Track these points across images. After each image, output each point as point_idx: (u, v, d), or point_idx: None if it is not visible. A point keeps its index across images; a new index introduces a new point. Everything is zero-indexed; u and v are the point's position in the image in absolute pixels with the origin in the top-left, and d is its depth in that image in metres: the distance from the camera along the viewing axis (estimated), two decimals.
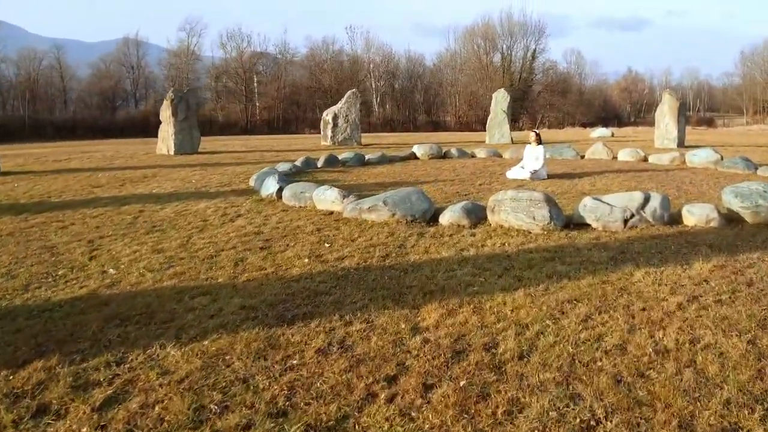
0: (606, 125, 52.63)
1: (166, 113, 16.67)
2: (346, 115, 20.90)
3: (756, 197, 6.70)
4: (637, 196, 6.68)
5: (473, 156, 15.94)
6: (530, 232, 6.39)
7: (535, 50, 60.23)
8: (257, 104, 57.39)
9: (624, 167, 12.88)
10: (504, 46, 59.39)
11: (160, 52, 67.87)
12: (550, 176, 11.39)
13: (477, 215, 6.83)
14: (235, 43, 56.57)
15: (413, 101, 62.49)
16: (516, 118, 60.29)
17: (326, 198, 7.83)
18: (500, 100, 21.40)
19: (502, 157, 15.71)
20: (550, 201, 6.51)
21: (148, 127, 47.98)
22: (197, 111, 17.09)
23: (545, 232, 6.35)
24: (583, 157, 15.15)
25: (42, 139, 36.04)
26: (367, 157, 14.45)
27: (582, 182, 10.49)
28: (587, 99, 66.90)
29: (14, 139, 35.59)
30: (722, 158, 12.72)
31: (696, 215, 6.64)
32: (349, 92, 21.44)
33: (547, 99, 61.03)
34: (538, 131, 11.92)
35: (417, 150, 15.53)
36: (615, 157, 14.75)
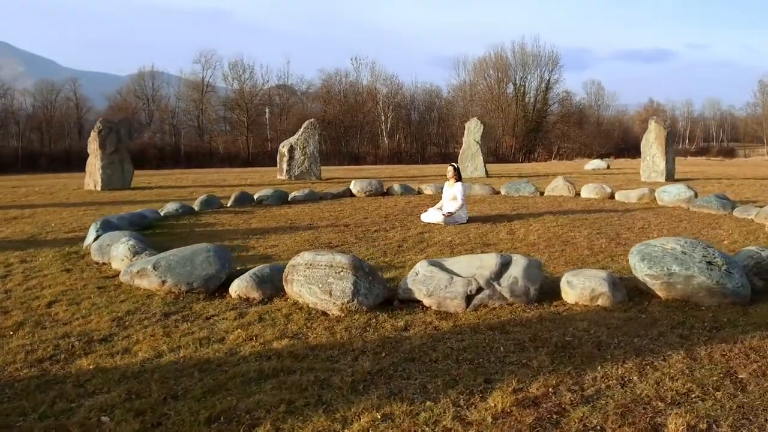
0: (622, 156, 49.99)
1: (93, 145, 15.26)
2: (303, 147, 19.22)
3: (669, 262, 4.59)
4: (491, 262, 4.64)
5: (419, 192, 13.98)
6: (327, 314, 4.43)
7: (549, 81, 58.33)
8: (268, 136, 56.76)
9: (577, 207, 10.75)
10: (517, 77, 57.69)
11: (178, 83, 68.17)
12: (473, 219, 9.36)
13: (275, 285, 4.90)
14: (237, 75, 56.15)
15: (424, 133, 60.99)
16: (531, 149, 58.21)
17: (118, 254, 6.02)
18: (473, 130, 19.44)
19: None
20: (358, 269, 4.52)
21: (150, 158, 47.75)
22: (130, 143, 15.72)
23: (344, 314, 4.38)
24: (542, 194, 13.04)
25: (32, 171, 35.56)
26: (293, 194, 12.66)
27: (503, 229, 8.42)
28: (606, 130, 64.34)
29: (6, 171, 35.24)
30: (696, 195, 10.49)
31: (577, 289, 4.56)
32: (306, 122, 19.80)
33: (563, 130, 58.75)
34: (456, 165, 9.92)
35: (353, 186, 13.67)
36: (578, 194, 12.61)
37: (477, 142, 19.24)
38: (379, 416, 2.79)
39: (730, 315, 4.28)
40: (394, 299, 4.66)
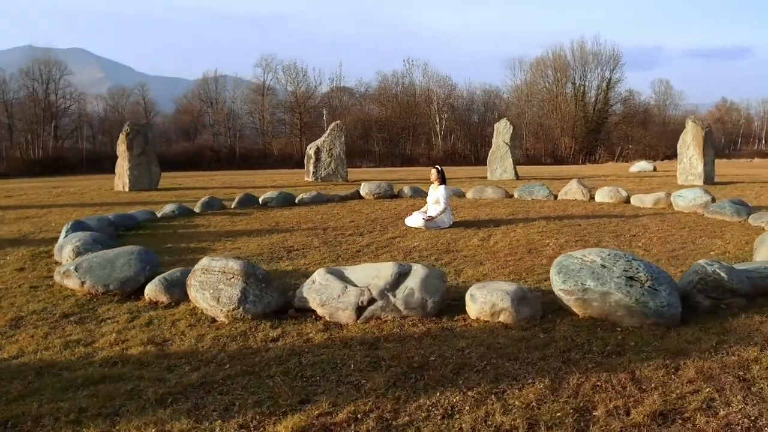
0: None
1: (121, 147, 15.93)
2: (330, 149, 19.26)
3: (585, 276, 4.14)
4: (387, 271, 4.36)
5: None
6: (216, 320, 4.31)
7: (610, 80, 55.84)
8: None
9: (581, 212, 10.09)
10: (576, 76, 55.60)
11: (238, 86, 70.27)
12: (460, 223, 8.98)
13: (183, 289, 4.83)
14: (291, 78, 57.31)
15: (480, 133, 59.88)
16: (591, 150, 55.92)
17: (64, 254, 6.17)
18: (502, 131, 18.78)
19: (464, 196, 13.28)
20: (250, 275, 4.36)
21: (200, 160, 49.57)
22: (156, 146, 16.30)
23: (229, 321, 4.24)
24: (556, 197, 12.39)
25: (96, 172, 37.66)
26: (300, 196, 12.67)
27: (479, 235, 8.00)
28: (673, 130, 60.75)
29: (73, 171, 37.57)
30: (713, 200, 9.59)
31: (478, 303, 4.20)
32: (333, 124, 19.82)
33: (625, 131, 56.08)
34: (440, 167, 9.54)
35: (363, 189, 13.52)
36: (592, 198, 11.87)
37: (506, 144, 18.59)
38: None
39: (644, 338, 3.81)
40: (291, 308, 4.47)
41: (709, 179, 14.75)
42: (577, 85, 55.35)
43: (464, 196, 13.39)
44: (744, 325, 4.01)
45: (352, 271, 4.48)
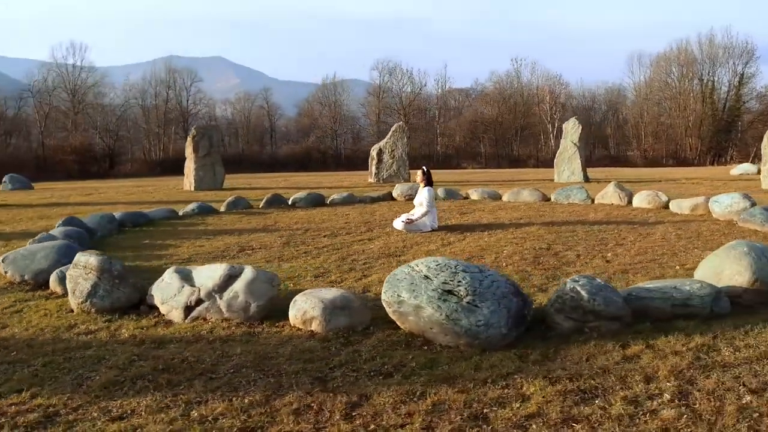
0: None
1: (188, 150, 17.23)
2: (392, 151, 19.23)
3: (403, 287, 3.74)
4: (217, 273, 4.28)
5: (465, 197, 13.09)
6: (73, 312, 4.55)
7: (743, 75, 49.55)
8: (438, 139, 57.76)
9: (597, 217, 9.08)
10: (704, 72, 50.04)
11: (363, 88, 72.22)
12: (449, 227, 8.54)
13: None
14: (398, 80, 57.85)
15: (600, 134, 56.18)
16: (721, 152, 50.04)
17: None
18: (570, 131, 17.46)
19: (500, 199, 12.59)
20: (104, 271, 4.52)
21: (308, 162, 51.80)
22: (221, 147, 17.42)
23: (78, 313, 4.46)
24: (593, 201, 11.29)
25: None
26: (332, 197, 12.85)
27: (449, 240, 7.56)
28: None
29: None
30: (752, 206, 8.16)
31: (294, 310, 4.00)
32: (395, 125, 19.77)
33: (762, 130, 49.36)
34: (426, 168, 9.06)
35: (395, 191, 13.36)
36: (630, 203, 10.64)
37: (575, 144, 17.29)
38: None
39: (440, 360, 3.39)
40: (143, 304, 4.57)
41: None
42: (705, 81, 49.68)
43: (500, 198, 12.71)
44: (574, 355, 3.40)
45: (198, 272, 4.48)
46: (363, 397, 2.93)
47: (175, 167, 44.00)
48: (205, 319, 4.17)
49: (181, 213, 10.87)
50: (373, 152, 19.70)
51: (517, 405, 2.79)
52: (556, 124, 54.37)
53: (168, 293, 4.35)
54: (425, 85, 58.29)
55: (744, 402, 2.77)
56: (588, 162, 54.46)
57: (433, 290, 3.65)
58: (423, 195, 8.50)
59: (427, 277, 3.76)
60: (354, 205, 12.36)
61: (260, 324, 4.06)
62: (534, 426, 2.60)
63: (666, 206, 9.95)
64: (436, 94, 60.38)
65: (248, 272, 4.20)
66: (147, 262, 6.42)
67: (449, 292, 3.64)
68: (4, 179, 19.13)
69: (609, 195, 11.01)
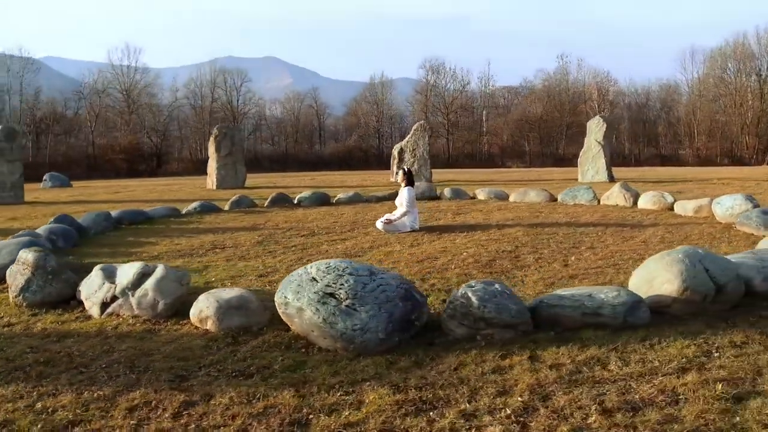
0: None
1: (210, 149, 17.70)
2: (413, 150, 19.09)
3: (289, 288, 3.70)
4: (132, 270, 4.38)
5: (472, 197, 12.85)
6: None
7: None
8: (485, 138, 57.08)
9: (592, 219, 8.70)
10: (763, 67, 47.14)
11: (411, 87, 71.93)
12: (430, 228, 8.40)
13: None
14: (440, 78, 57.33)
15: (653, 132, 53.93)
16: None
17: None
18: (594, 130, 16.81)
19: (507, 199, 12.29)
20: (39, 267, 4.71)
21: (350, 160, 52.18)
22: (243, 147, 17.75)
23: (13, 307, 4.67)
24: (599, 201, 10.84)
25: (258, 170, 41.89)
26: (338, 196, 12.92)
27: (424, 240, 7.44)
28: None
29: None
30: (755, 207, 7.61)
31: (193, 308, 4.03)
32: (416, 124, 19.60)
33: None
34: (406, 168, 8.89)
35: None
36: (635, 204, 10.16)
37: (599, 143, 16.65)
38: None
39: (307, 363, 3.36)
40: (74, 299, 4.73)
41: None
42: (764, 77, 46.81)
43: (507, 198, 12.41)
44: (445, 364, 3.27)
45: (121, 269, 4.59)
46: (206, 396, 2.94)
47: None
48: (118, 315, 4.28)
49: (183, 211, 11.18)
50: (395, 151, 19.64)
51: (347, 413, 2.72)
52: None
53: (91, 289, 4.49)
54: (468, 83, 57.41)
55: (587, 422, 2.59)
56: (636, 161, 52.32)
57: (314, 293, 3.60)
58: (403, 195, 8.40)
59: (314, 279, 3.72)
60: (357, 204, 12.36)
61: (165, 321, 4.13)
62: None
63: (671, 207, 9.44)
64: (480, 92, 59.55)
65: (159, 271, 4.28)
66: (113, 258, 6.63)
67: (331, 295, 3.59)
68: (44, 177, 20.25)
69: (614, 196, 10.55)
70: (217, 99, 55.79)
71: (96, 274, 4.59)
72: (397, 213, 8.38)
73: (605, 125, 16.73)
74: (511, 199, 12.25)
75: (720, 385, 2.89)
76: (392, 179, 19.65)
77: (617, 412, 2.67)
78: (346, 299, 3.54)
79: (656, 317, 4.10)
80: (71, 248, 7.39)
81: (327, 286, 3.63)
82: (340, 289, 3.59)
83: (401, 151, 19.40)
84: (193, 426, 2.65)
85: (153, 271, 4.31)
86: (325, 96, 72.33)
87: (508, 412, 2.69)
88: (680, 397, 2.81)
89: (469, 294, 3.65)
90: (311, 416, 2.71)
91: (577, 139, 55.95)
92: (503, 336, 3.63)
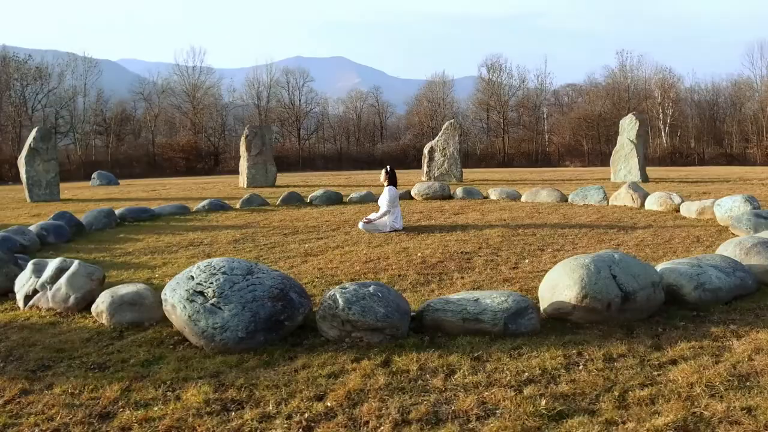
0: None
1: (242, 148, 18.22)
2: (444, 149, 18.87)
3: (179, 285, 3.76)
4: (52, 265, 4.59)
5: (485, 197, 12.55)
6: None
7: None
8: (545, 136, 55.69)
9: (586, 221, 8.29)
10: None
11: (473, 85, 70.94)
12: (415, 228, 8.30)
13: None
14: (494, 75, 56.23)
15: (723, 131, 50.65)
16: None
17: None
18: (627, 128, 15.92)
19: (519, 199, 11.93)
20: None
21: (404, 159, 52.10)
22: (272, 146, 18.09)
23: None
24: (608, 202, 10.30)
25: (310, 169, 42.73)
26: (351, 195, 13.02)
27: (405, 242, 7.36)
28: None
29: (290, 168, 43.39)
30: (754, 209, 7.01)
31: (95, 303, 4.19)
32: (447, 123, 19.33)
33: None
34: (390, 167, 8.75)
35: (413, 190, 13.15)
36: (642, 205, 9.59)
37: (632, 141, 15.80)
38: None
39: (164, 358, 3.43)
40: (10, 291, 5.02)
41: None
42: None
43: (518, 198, 12.05)
44: (288, 367, 3.24)
45: (50, 263, 4.82)
46: (48, 386, 3.06)
47: (278, 163, 46.69)
48: (38, 307, 4.52)
49: (193, 209, 11.58)
50: (425, 150, 19.49)
51: (156, 408, 2.76)
52: (668, 121, 49.93)
53: (20, 282, 4.76)
54: (525, 81, 56.08)
55: None
56: (701, 160, 49.16)
57: (186, 290, 3.66)
58: (384, 195, 8.34)
59: (191, 277, 3.78)
60: (368, 203, 12.33)
61: (73, 315, 4.32)
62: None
63: (678, 209, 8.85)
64: (539, 90, 57.97)
65: (73, 267, 4.48)
66: (89, 255, 6.97)
67: (200, 293, 3.63)
68: (93, 176, 21.55)
69: (622, 196, 10.02)
70: (279, 99, 57.27)
71: (28, 268, 4.86)
72: (378, 212, 8.33)
73: (638, 123, 15.86)
74: (522, 199, 11.88)
75: (545, 401, 2.70)
76: (423, 178, 19.52)
77: (414, 423, 2.56)
78: (213, 297, 3.58)
79: (558, 324, 3.90)
80: (63, 243, 7.85)
81: (198, 284, 3.68)
82: (209, 287, 3.64)
83: (431, 150, 19.24)
84: (15, 413, 2.77)
85: (67, 267, 4.52)
86: (392, 95, 72.33)
87: (306, 416, 2.64)
88: (497, 411, 2.65)
89: (337, 296, 3.59)
90: (121, 410, 2.77)
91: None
92: (371, 339, 3.55)
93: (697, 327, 3.81)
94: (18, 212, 11.99)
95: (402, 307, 3.73)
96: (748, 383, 2.89)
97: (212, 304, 3.56)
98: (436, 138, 19.36)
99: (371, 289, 3.68)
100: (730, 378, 2.93)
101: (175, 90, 50.23)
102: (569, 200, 11.06)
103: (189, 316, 3.55)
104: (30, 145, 14.17)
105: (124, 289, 4.16)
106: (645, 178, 15.80)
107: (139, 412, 2.74)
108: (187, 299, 3.61)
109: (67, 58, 47.46)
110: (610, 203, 10.24)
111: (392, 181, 8.54)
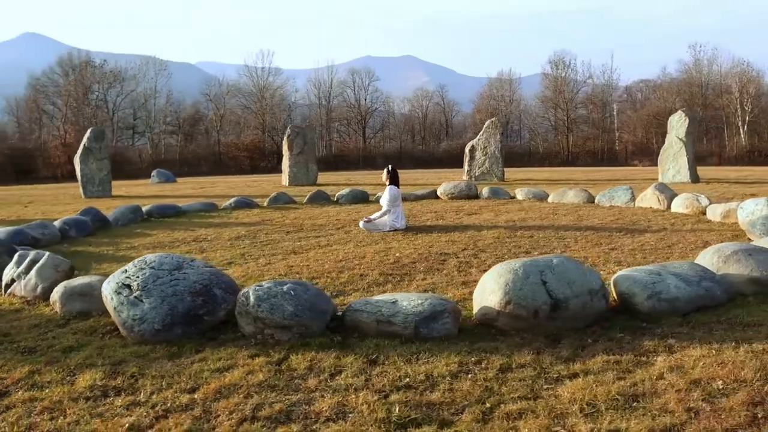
0: None
1: (284, 147, 18.72)
2: (485, 147, 18.54)
3: (117, 279, 3.97)
4: (29, 256, 4.94)
5: (512, 197, 12.23)
6: None
7: None
8: (616, 134, 53.62)
9: (597, 223, 7.90)
10: None
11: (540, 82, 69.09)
12: (418, 228, 8.25)
13: None
14: (557, 72, 54.40)
15: None
16: None
17: None
18: (676, 125, 14.97)
19: (545, 200, 11.55)
20: None
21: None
22: (314, 145, 18.48)
23: None
24: (635, 203, 9.77)
25: (371, 168, 43.11)
26: (378, 194, 13.06)
27: (396, 242, 7.34)
28: None
29: (350, 167, 44.09)
30: None
31: (53, 292, 4.48)
32: (488, 121, 18.94)
33: None
34: (391, 167, 8.63)
35: (440, 189, 13.03)
36: (669, 207, 9.02)
37: (681, 140, 14.87)
38: None
39: (88, 344, 3.64)
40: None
41: None
42: None
43: (545, 198, 11.66)
44: (189, 359, 3.35)
45: (33, 254, 5.20)
46: None
47: (338, 162, 47.53)
48: (14, 294, 4.90)
49: (221, 207, 12.03)
50: (467, 149, 19.24)
51: (48, 390, 2.96)
52: (747, 118, 46.45)
53: (6, 272, 5.17)
54: (591, 77, 53.99)
55: (208, 426, 2.55)
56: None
57: (116, 283, 3.86)
58: (384, 194, 8.34)
59: (125, 270, 3.98)
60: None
61: (37, 303, 4.64)
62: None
63: (704, 212, 8.29)
64: (603, 86, 55.61)
65: (43, 259, 4.82)
66: (97, 248, 7.43)
67: (127, 285, 3.82)
68: (152, 173, 22.80)
69: (648, 198, 9.49)
70: (345, 98, 58.25)
71: (14, 258, 5.27)
72: (379, 212, 8.34)
73: (687, 120, 14.91)
74: (549, 200, 11.51)
75: (401, 409, 2.65)
76: (464, 177, 19.27)
77: (261, 420, 2.59)
78: (137, 290, 3.76)
79: (483, 331, 3.79)
80: (82, 237, 8.40)
81: (127, 277, 3.87)
82: (135, 280, 3.82)
83: (472, 149, 18.97)
84: None
85: (39, 259, 4.86)
86: (460, 93, 71.49)
87: (167, 406, 2.73)
88: (348, 415, 2.64)
89: (250, 293, 3.67)
90: (17, 390, 2.98)
91: (714, 136, 50.22)
92: (281, 337, 3.60)
93: (634, 339, 3.58)
94: (68, 207, 12.92)
95: (318, 306, 3.75)
96: (634, 404, 2.69)
97: (135, 297, 3.74)
98: (477, 136, 19.07)
99: (285, 287, 3.72)
100: (618, 397, 2.74)
101: (243, 90, 52.27)
102: (596, 201, 10.59)
103: (114, 308, 3.75)
104: (84, 144, 15.25)
105: (77, 281, 4.44)
106: (695, 179, 14.85)
107: (30, 392, 2.94)
108: (115, 291, 3.81)
109: (141, 61, 50.39)
110: (636, 204, 9.73)
111: (394, 180, 8.52)
